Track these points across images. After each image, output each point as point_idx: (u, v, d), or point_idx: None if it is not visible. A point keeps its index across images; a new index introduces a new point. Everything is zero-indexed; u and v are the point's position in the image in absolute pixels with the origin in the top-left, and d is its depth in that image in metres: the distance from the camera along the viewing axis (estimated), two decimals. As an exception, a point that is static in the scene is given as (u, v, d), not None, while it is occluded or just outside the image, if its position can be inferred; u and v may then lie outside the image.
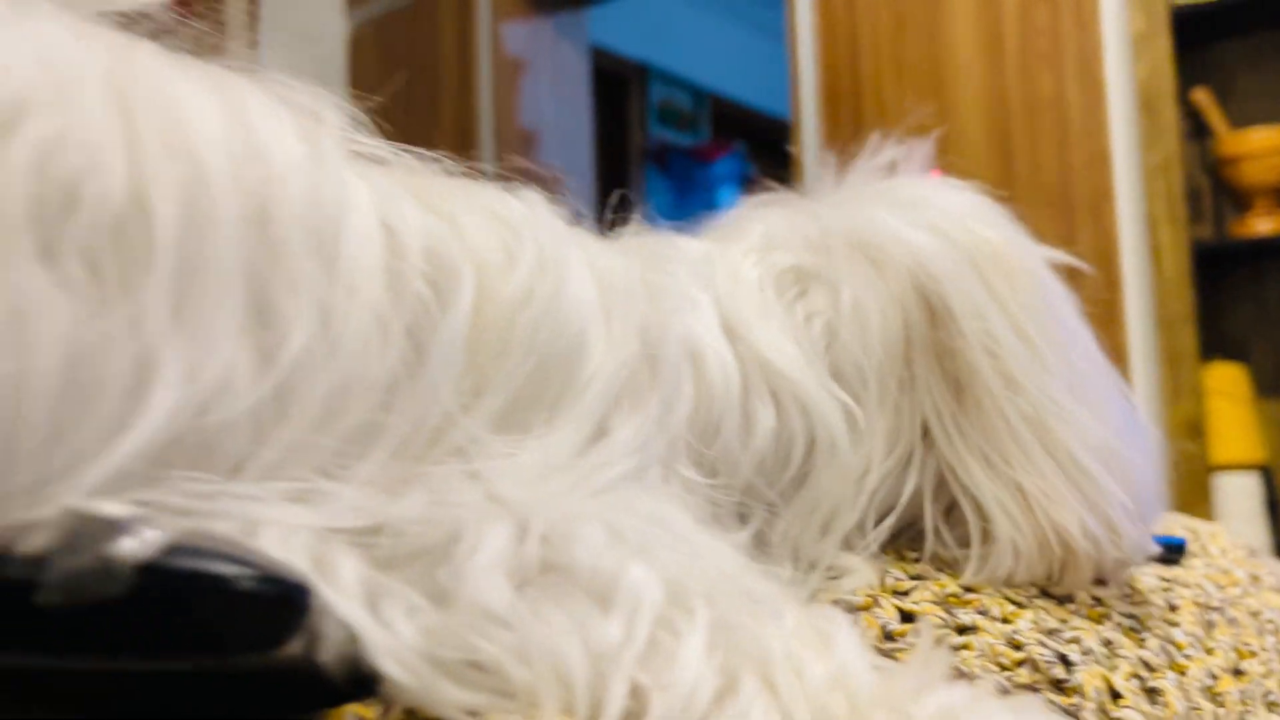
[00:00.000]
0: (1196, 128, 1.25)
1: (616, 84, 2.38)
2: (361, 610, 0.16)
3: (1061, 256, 0.36)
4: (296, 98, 0.23)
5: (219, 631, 0.14)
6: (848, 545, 0.31)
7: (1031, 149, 1.24)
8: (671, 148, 2.65)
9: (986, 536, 0.30)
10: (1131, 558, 0.32)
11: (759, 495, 0.29)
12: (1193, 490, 1.04)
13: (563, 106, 1.75)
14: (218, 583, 0.14)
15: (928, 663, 0.20)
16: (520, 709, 0.16)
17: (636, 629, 0.17)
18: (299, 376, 0.19)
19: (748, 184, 2.53)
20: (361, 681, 0.16)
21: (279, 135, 0.21)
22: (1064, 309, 0.34)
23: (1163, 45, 1.14)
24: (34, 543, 0.13)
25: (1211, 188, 1.28)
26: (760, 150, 2.63)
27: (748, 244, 0.35)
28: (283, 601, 0.14)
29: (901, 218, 0.34)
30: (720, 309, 0.31)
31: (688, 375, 0.28)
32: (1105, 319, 1.12)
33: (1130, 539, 0.31)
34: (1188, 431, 1.07)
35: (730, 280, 0.32)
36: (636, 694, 0.16)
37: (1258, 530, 1.04)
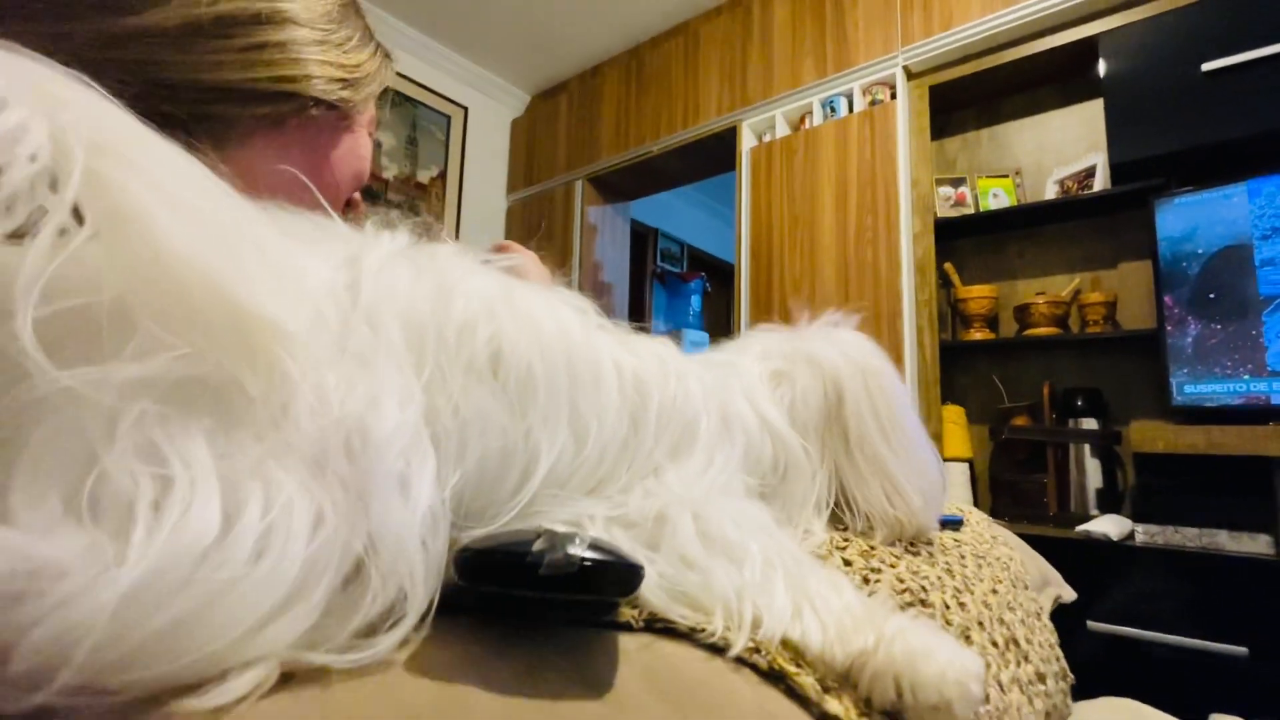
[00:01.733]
0: (946, 282, 1.92)
1: (641, 239, 3.69)
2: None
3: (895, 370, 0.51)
4: (571, 297, 0.36)
5: (609, 586, 0.25)
6: (817, 514, 0.46)
7: (860, 290, 1.86)
8: (667, 273, 3.75)
9: (865, 517, 0.46)
10: (928, 527, 0.49)
11: (767, 487, 0.43)
12: None
13: (615, 250, 2.82)
14: (611, 566, 0.24)
15: (884, 601, 0.31)
16: (705, 615, 0.28)
17: (754, 576, 0.29)
18: (588, 438, 0.32)
19: (705, 295, 3.62)
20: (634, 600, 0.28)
21: (570, 319, 0.34)
22: (901, 397, 0.50)
23: (929, 239, 1.82)
24: (538, 545, 0.23)
25: (952, 314, 1.94)
26: (714, 277, 3.85)
27: (752, 355, 0.50)
28: (633, 572, 0.25)
29: (827, 346, 0.50)
30: (745, 392, 0.45)
31: (739, 430, 0.42)
32: None
33: (927, 518, 0.48)
34: (933, 440, 1.77)
35: (747, 376, 0.47)
36: (756, 613, 0.28)
37: (965, 491, 1.72)
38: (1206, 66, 1.44)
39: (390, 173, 2.66)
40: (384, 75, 0.52)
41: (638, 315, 3.69)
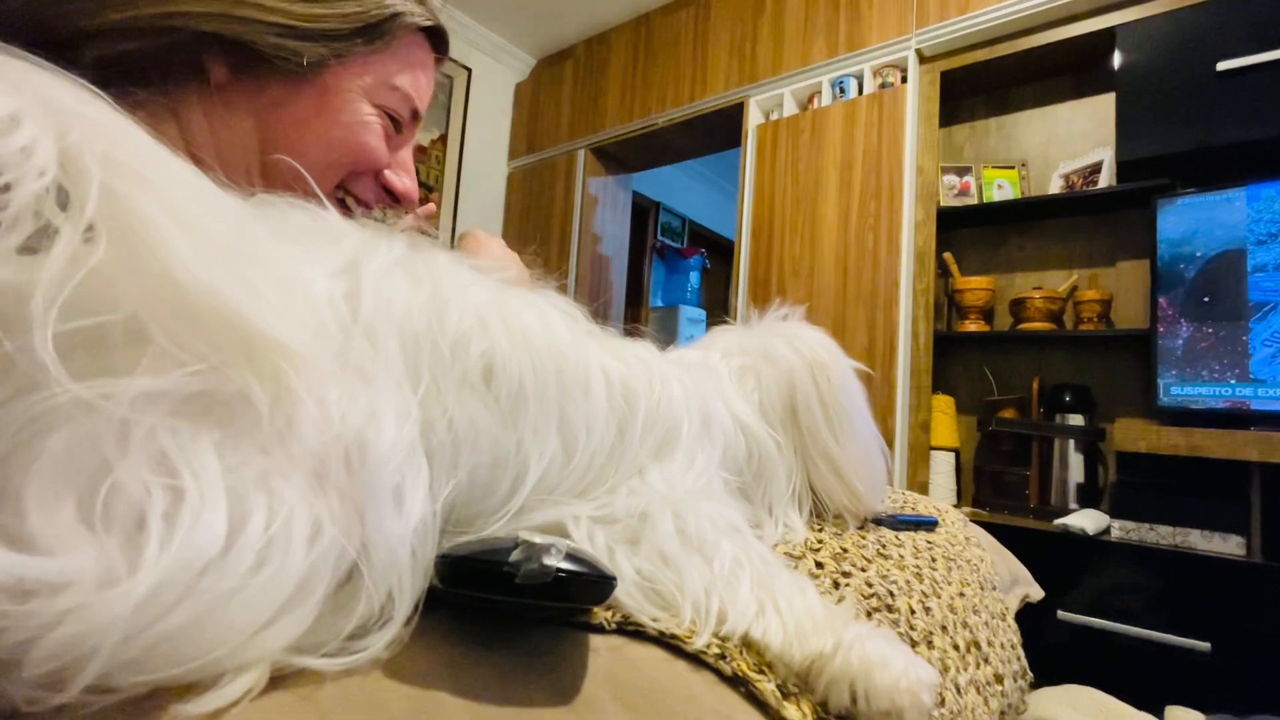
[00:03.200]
0: (944, 272, 1.92)
1: (641, 211, 3.62)
2: (609, 562, 0.28)
3: (861, 366, 0.53)
4: (561, 303, 0.37)
5: (581, 596, 0.26)
6: (794, 506, 0.48)
7: (859, 276, 1.86)
8: (667, 248, 3.73)
9: (827, 502, 0.52)
10: (872, 513, 0.53)
11: (745, 483, 0.46)
12: (921, 458, 1.74)
13: (616, 223, 2.80)
14: (584, 578, 0.25)
15: (848, 607, 0.33)
16: (674, 615, 0.29)
17: (723, 573, 0.30)
18: (577, 447, 0.33)
19: (704, 271, 3.62)
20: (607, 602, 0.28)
21: (559, 327, 0.35)
22: (850, 390, 0.52)
23: (931, 227, 1.83)
24: (515, 554, 0.24)
25: (948, 305, 1.95)
26: (715, 254, 3.81)
27: (719, 353, 0.53)
28: (605, 584, 0.26)
29: (781, 342, 0.53)
30: (719, 392, 0.47)
31: (719, 429, 0.44)
32: (888, 367, 1.77)
33: (870, 504, 0.53)
34: (922, 428, 1.75)
35: (719, 375, 0.49)
36: (722, 607, 0.30)
37: (950, 480, 1.76)
38: (1221, 66, 1.42)
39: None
40: (383, 37, 0.47)
41: (636, 289, 3.70)
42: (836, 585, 0.38)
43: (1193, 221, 1.48)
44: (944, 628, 0.40)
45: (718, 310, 3.62)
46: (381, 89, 0.49)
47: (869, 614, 0.36)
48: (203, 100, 0.43)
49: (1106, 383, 1.73)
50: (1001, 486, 1.76)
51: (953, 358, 1.96)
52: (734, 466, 0.45)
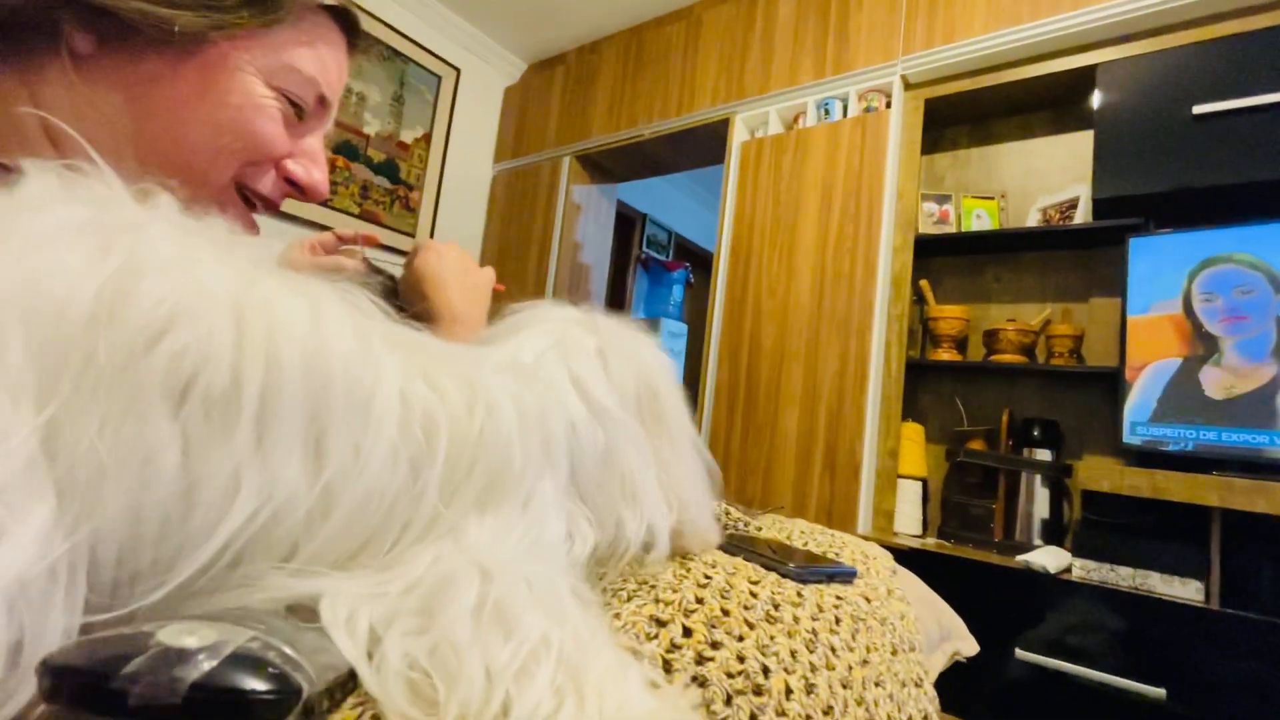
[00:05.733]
0: (919, 299, 1.92)
1: (627, 222, 3.63)
2: (362, 654, 0.22)
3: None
4: (361, 303, 0.30)
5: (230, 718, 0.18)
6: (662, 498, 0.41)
7: (834, 298, 1.84)
8: (652, 259, 3.71)
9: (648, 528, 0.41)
10: (708, 536, 0.46)
11: (596, 484, 0.37)
12: (888, 485, 1.72)
13: (599, 232, 2.78)
14: (234, 695, 0.18)
15: (688, 696, 0.28)
16: (435, 712, 0.21)
17: (518, 657, 0.23)
18: (338, 487, 0.25)
19: (688, 285, 3.60)
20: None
21: (340, 333, 0.27)
22: (683, 402, 0.46)
23: (908, 254, 1.80)
24: (133, 664, 0.18)
25: (922, 332, 1.94)
26: (699, 269, 3.83)
27: (579, 326, 0.44)
28: (279, 702, 0.19)
29: (633, 338, 0.46)
30: (574, 380, 0.39)
31: (564, 447, 0.36)
32: (858, 392, 1.74)
33: (701, 528, 0.46)
34: (890, 456, 1.73)
35: (579, 353, 0.41)
36: (506, 701, 0.22)
37: (916, 510, 1.74)
38: (1197, 110, 1.43)
39: (372, 129, 2.57)
40: (276, 12, 0.43)
41: (618, 300, 3.66)
42: (700, 660, 0.31)
43: (1162, 261, 1.48)
44: (828, 709, 0.34)
45: (699, 325, 3.60)
46: (279, 70, 0.44)
47: (728, 699, 0.30)
48: (63, 73, 0.38)
49: (1076, 418, 1.72)
50: (967, 519, 1.74)
51: (924, 386, 1.95)
52: (583, 475, 0.37)
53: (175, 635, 0.19)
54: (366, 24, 0.51)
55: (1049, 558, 1.44)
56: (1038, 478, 1.66)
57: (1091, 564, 1.42)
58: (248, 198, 0.48)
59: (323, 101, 0.49)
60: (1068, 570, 1.45)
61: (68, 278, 0.21)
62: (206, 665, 0.18)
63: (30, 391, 0.20)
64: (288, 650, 0.20)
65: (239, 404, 0.23)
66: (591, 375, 0.40)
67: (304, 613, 0.24)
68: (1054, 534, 1.63)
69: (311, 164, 0.49)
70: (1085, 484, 1.41)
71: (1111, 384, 1.60)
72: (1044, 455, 1.66)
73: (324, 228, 2.43)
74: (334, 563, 0.26)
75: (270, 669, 0.19)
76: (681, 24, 2.46)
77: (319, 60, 0.47)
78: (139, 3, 0.38)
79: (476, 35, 2.87)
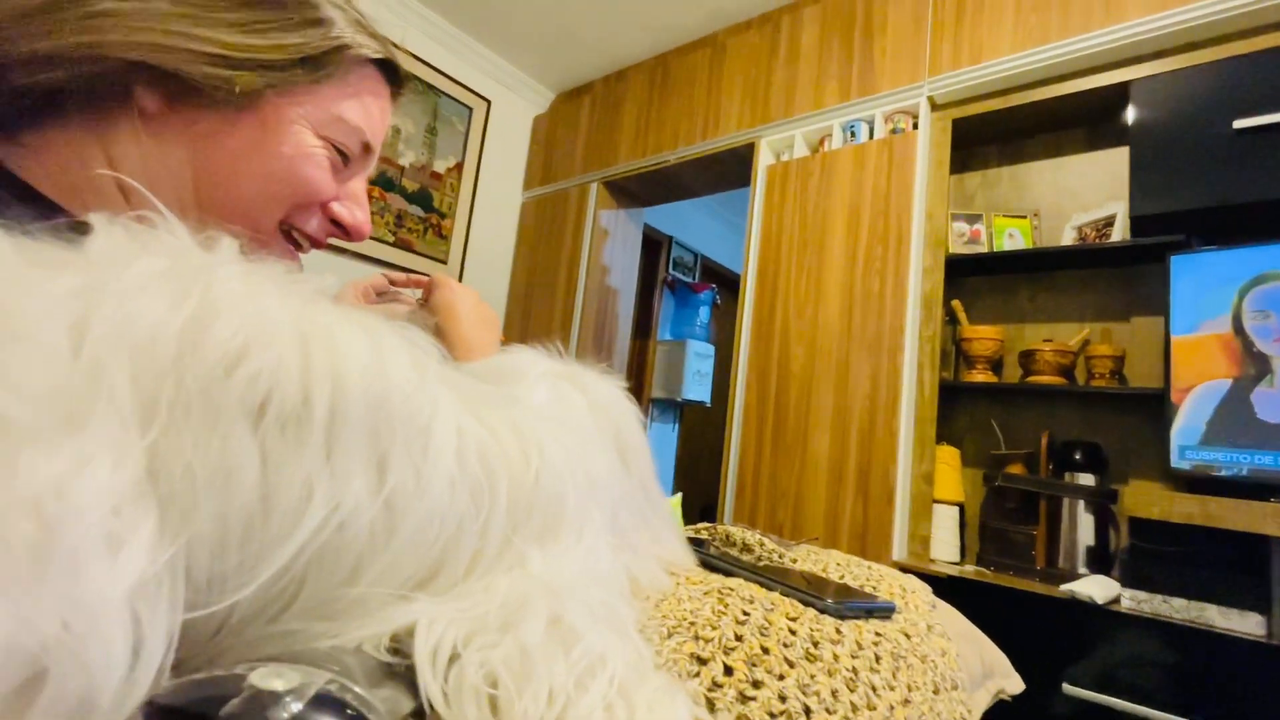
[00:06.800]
0: (951, 320, 1.89)
1: (654, 245, 3.65)
2: (439, 683, 0.24)
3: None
4: (416, 339, 0.32)
5: None
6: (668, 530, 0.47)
7: (864, 320, 1.82)
8: (679, 281, 3.73)
9: None
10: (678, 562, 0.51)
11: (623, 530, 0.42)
12: (923, 510, 1.67)
13: (625, 256, 2.83)
14: None
15: None
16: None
17: (575, 673, 0.25)
18: (400, 505, 0.27)
19: (714, 307, 3.62)
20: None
21: (398, 363, 0.29)
22: (644, 444, 0.50)
23: (939, 274, 1.78)
24: (230, 706, 0.19)
25: (955, 353, 1.90)
26: (726, 290, 3.83)
27: (567, 383, 0.47)
28: None
29: (600, 382, 0.50)
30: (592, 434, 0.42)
31: (605, 490, 0.39)
32: (890, 415, 1.71)
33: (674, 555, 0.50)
34: (925, 480, 1.69)
35: (574, 407, 0.45)
36: (560, 712, 0.24)
37: (953, 536, 1.68)
38: (1238, 124, 1.39)
39: (407, 159, 2.66)
40: (326, 68, 0.46)
41: (645, 322, 3.68)
42: (742, 699, 0.32)
43: (1207, 279, 1.43)
44: (870, 752, 0.33)
45: (725, 347, 3.60)
46: (328, 121, 0.47)
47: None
48: (133, 130, 0.41)
49: (1119, 441, 1.66)
50: (1007, 545, 1.68)
51: (958, 408, 1.91)
52: (619, 524, 0.40)
53: (265, 678, 0.20)
54: (401, 58, 0.54)
55: (1096, 587, 1.38)
56: (1081, 503, 1.60)
57: (1142, 594, 1.36)
58: (294, 238, 0.51)
59: (367, 148, 0.52)
60: (1116, 601, 1.39)
61: (156, 320, 0.23)
62: (295, 707, 0.19)
63: (135, 418, 0.22)
64: (360, 691, 0.22)
65: (310, 420, 0.25)
66: (595, 431, 0.42)
67: (403, 634, 0.26)
68: (1100, 562, 1.57)
69: (355, 206, 0.52)
70: (1133, 510, 1.36)
71: (1156, 406, 1.55)
72: (1087, 480, 1.61)
73: (363, 256, 2.51)
74: (403, 587, 0.27)
75: (349, 710, 0.21)
76: (705, 51, 2.50)
77: (364, 110, 0.50)
78: (204, 66, 0.41)
79: (506, 67, 2.96)
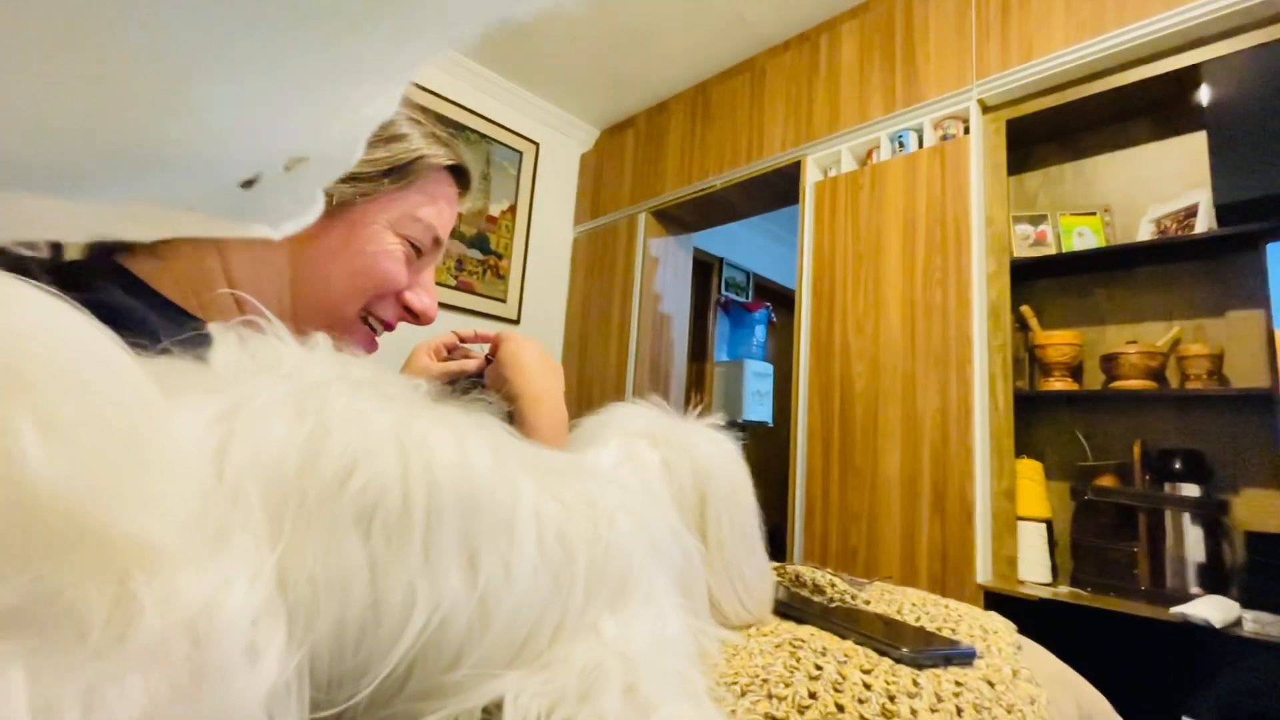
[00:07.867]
0: (1022, 326, 1.80)
1: (705, 267, 3.67)
2: None
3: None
4: (493, 428, 0.34)
5: None
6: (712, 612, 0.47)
7: (928, 332, 1.75)
8: (732, 302, 3.73)
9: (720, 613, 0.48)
10: (759, 617, 0.51)
11: (688, 596, 0.42)
12: (1007, 529, 1.59)
13: (677, 281, 2.87)
14: None
15: None
16: None
17: None
18: (492, 599, 0.29)
19: (770, 325, 3.58)
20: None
21: (481, 458, 0.31)
22: (753, 501, 0.51)
23: (1004, 279, 1.71)
24: None
25: (1029, 361, 1.81)
26: (780, 306, 3.76)
27: (644, 440, 0.49)
28: None
29: (702, 438, 0.52)
30: (659, 499, 0.45)
31: (667, 555, 0.40)
32: (964, 429, 1.64)
33: (765, 612, 0.52)
34: (1006, 496, 1.60)
35: (645, 466, 0.47)
36: None
37: (1043, 555, 1.58)
38: (1330, 98, 1.29)
39: (464, 206, 2.78)
40: (407, 177, 0.51)
41: (700, 345, 3.68)
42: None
43: (1313, 267, 1.32)
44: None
45: (784, 364, 3.54)
46: (405, 220, 0.53)
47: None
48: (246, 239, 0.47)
49: (1224, 448, 1.53)
50: (1105, 564, 1.57)
51: (1038, 419, 1.81)
52: (681, 585, 0.41)
53: None
54: (453, 113, 0.59)
55: (1212, 609, 1.27)
56: (1186, 516, 1.48)
57: (1267, 616, 1.24)
58: (370, 324, 0.57)
59: (437, 241, 0.58)
60: (1237, 623, 1.27)
61: (280, 441, 0.26)
62: None
63: (265, 535, 0.24)
64: None
65: (411, 525, 0.27)
66: (665, 501, 0.44)
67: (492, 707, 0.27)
68: (1214, 581, 1.44)
69: (425, 293, 0.58)
70: (1247, 522, 1.25)
71: (1265, 406, 1.42)
72: (1191, 490, 1.49)
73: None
74: (495, 666, 0.29)
75: None
76: (745, 76, 2.52)
77: (437, 210, 0.56)
78: None
79: (552, 110, 3.07)
